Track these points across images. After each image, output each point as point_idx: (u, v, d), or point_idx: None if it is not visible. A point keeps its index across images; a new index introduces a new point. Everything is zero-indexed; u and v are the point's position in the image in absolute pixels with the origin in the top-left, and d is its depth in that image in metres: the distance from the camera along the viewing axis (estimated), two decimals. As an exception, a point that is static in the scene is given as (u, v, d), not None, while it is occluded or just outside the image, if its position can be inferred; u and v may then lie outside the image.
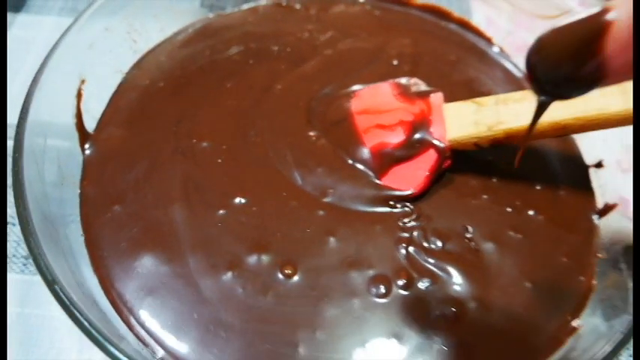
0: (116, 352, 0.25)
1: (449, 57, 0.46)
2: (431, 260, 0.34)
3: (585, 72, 0.21)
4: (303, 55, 0.45)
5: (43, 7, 0.58)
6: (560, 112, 0.34)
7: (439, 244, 0.35)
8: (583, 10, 0.21)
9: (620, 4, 0.20)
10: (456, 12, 0.52)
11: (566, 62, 0.21)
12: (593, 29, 0.20)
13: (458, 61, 0.46)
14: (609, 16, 0.20)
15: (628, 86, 0.33)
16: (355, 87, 0.42)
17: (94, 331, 0.25)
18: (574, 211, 0.38)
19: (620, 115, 0.33)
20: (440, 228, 0.35)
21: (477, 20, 0.52)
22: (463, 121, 0.36)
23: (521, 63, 0.47)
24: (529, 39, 0.51)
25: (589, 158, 0.41)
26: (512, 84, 0.45)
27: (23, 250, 0.40)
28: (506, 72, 0.46)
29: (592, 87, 0.22)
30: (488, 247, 0.35)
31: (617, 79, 0.21)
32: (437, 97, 0.38)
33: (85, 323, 0.25)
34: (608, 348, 0.26)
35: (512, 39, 0.49)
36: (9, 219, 0.42)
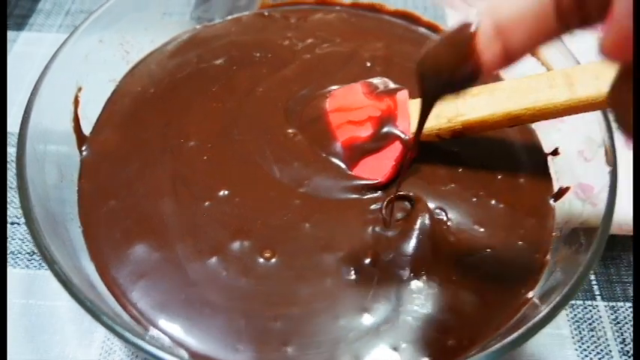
0: (109, 322, 0.28)
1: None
2: (393, 233, 0.37)
3: (464, 73, 0.26)
4: (283, 60, 0.48)
5: (44, 25, 0.62)
6: (512, 103, 0.38)
7: (402, 216, 0.38)
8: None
9: (483, 14, 0.24)
10: (432, 17, 0.55)
11: (448, 68, 0.26)
12: (464, 37, 0.25)
13: (427, 61, 0.49)
14: (474, 25, 0.24)
15: (574, 79, 0.37)
16: (331, 88, 0.45)
17: (88, 303, 0.28)
18: (533, 197, 0.41)
19: (566, 105, 0.36)
20: (406, 206, 0.39)
21: (451, 25, 0.55)
22: (426, 114, 0.40)
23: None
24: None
25: (547, 147, 0.44)
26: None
27: (27, 247, 0.44)
28: (472, 70, 0.49)
29: (469, 84, 0.26)
30: (453, 219, 0.38)
31: (489, 73, 0.25)
32: (402, 94, 0.41)
33: (81, 297, 0.28)
34: (546, 309, 0.30)
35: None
36: (13, 219, 0.46)
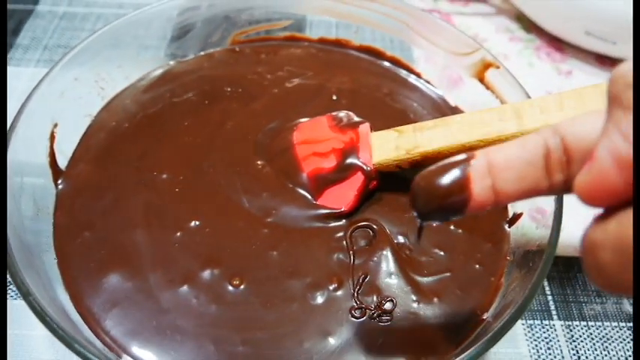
0: (83, 350, 0.29)
1: (382, 90, 0.52)
2: (359, 261, 0.39)
3: (453, 208, 0.26)
4: (252, 95, 0.50)
5: (22, 60, 0.64)
6: (466, 135, 0.40)
7: (365, 244, 0.40)
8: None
9: (479, 154, 0.26)
10: (399, 51, 0.58)
11: (440, 192, 0.26)
12: (460, 165, 0.26)
13: (390, 94, 0.52)
14: (471, 160, 0.26)
15: (522, 112, 0.40)
16: (298, 120, 0.47)
17: (60, 332, 0.29)
18: (490, 222, 0.43)
19: (515, 136, 0.39)
20: (369, 234, 0.41)
21: (417, 56, 0.58)
22: (386, 146, 0.42)
23: (451, 94, 0.54)
24: (461, 73, 0.57)
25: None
26: (437, 111, 0.51)
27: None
28: (433, 101, 0.52)
29: (456, 213, 0.27)
30: (415, 244, 0.41)
31: (476, 208, 0.26)
32: (364, 127, 0.44)
33: (55, 326, 0.29)
34: (497, 325, 0.32)
35: (448, 72, 0.55)
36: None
